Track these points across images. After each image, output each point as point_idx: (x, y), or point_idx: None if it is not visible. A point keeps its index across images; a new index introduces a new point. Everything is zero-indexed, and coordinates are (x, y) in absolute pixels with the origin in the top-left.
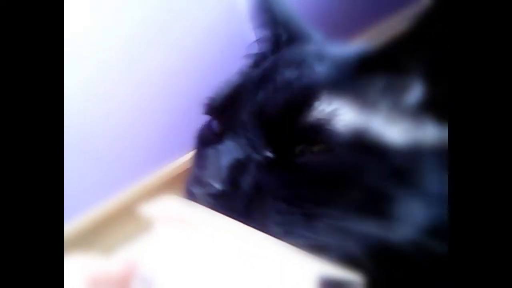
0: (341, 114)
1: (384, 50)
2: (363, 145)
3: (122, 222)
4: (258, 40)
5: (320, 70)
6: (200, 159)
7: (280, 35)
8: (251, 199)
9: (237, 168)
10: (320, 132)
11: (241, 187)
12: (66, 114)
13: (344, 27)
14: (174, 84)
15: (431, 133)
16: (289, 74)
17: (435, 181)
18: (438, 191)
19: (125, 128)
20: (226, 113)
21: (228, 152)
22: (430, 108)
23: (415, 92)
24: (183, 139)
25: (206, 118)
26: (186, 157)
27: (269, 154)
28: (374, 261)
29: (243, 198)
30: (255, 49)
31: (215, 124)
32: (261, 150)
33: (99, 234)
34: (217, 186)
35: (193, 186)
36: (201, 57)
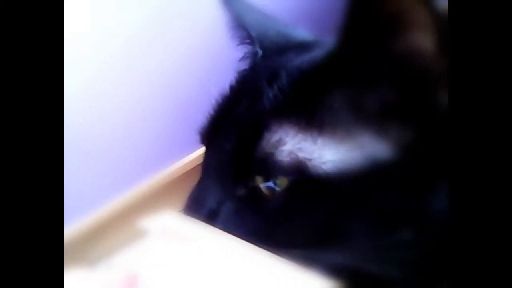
0: (285, 142)
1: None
2: (307, 175)
3: (119, 227)
4: (241, 58)
5: (270, 95)
6: (193, 193)
7: (256, 53)
8: None
9: (210, 218)
10: (269, 165)
11: None
12: (66, 114)
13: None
14: (175, 84)
15: (392, 143)
16: (242, 106)
17: (394, 199)
18: (399, 209)
19: (125, 128)
20: (208, 146)
21: (206, 194)
22: (396, 114)
23: (378, 100)
24: (183, 139)
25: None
26: (186, 159)
27: (239, 193)
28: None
29: None
30: (239, 68)
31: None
32: (231, 189)
33: (97, 239)
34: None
35: (184, 210)
36: (201, 57)
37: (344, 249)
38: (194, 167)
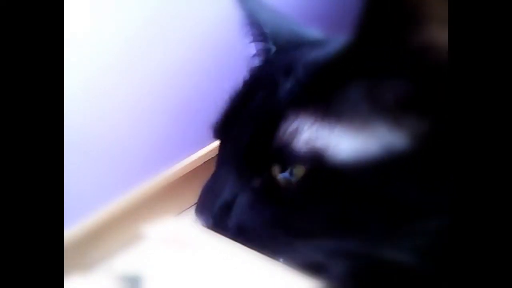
0: (303, 131)
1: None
2: (324, 164)
3: (119, 229)
4: (254, 55)
5: (286, 86)
6: (207, 185)
7: (269, 49)
8: (235, 237)
9: (224, 210)
10: (287, 153)
11: (227, 227)
12: (66, 114)
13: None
14: (175, 84)
15: (409, 135)
16: (258, 98)
17: (410, 189)
18: (415, 200)
19: (125, 129)
20: (223, 139)
21: (221, 187)
22: (413, 106)
23: (395, 92)
24: (184, 141)
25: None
26: (186, 161)
27: (255, 184)
28: (365, 278)
29: (228, 235)
30: (252, 64)
31: (220, 147)
32: (246, 181)
33: (97, 241)
34: (210, 221)
35: (197, 210)
36: (202, 58)
37: (358, 236)
38: (194, 169)
